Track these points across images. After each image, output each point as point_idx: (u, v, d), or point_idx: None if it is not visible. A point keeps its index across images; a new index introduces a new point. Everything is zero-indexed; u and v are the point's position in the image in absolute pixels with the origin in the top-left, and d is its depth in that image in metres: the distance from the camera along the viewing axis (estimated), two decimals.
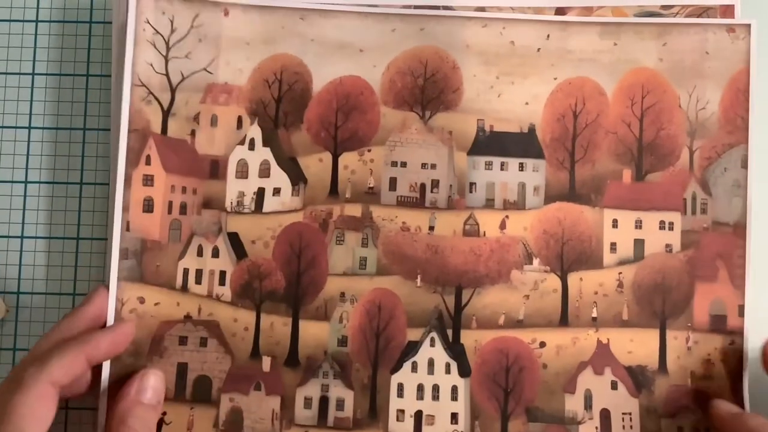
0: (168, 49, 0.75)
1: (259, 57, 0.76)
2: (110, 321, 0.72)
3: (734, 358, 0.72)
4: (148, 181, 0.74)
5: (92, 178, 0.79)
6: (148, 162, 0.74)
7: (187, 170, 0.75)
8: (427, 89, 0.76)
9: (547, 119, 0.75)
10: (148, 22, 0.75)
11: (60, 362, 0.66)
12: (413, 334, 0.74)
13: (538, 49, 0.75)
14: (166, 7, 0.75)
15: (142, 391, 0.69)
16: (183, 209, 0.75)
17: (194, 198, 0.75)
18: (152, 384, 0.70)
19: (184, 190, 0.75)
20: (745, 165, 0.74)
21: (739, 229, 0.73)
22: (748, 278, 0.73)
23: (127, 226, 0.73)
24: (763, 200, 0.74)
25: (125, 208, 0.73)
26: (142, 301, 0.73)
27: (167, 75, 0.75)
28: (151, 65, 0.75)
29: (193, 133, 0.76)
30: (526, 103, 0.75)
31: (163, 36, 0.75)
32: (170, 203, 0.75)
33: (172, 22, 0.75)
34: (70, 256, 0.78)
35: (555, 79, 0.75)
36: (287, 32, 0.76)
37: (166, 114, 0.75)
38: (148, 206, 0.74)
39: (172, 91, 0.75)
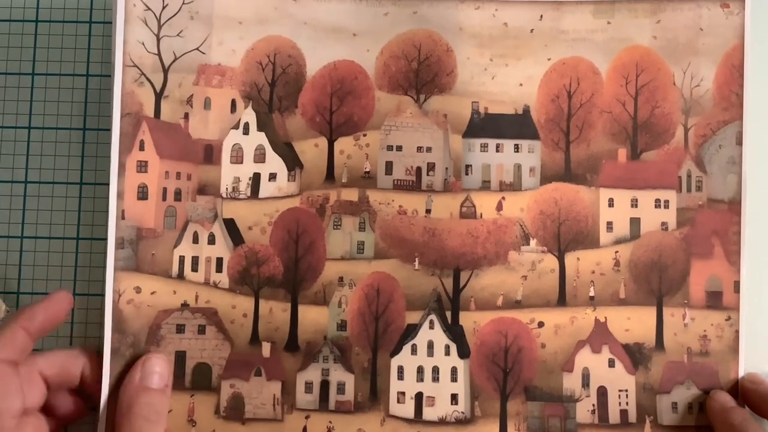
0: (159, 26, 0.75)
1: (253, 38, 0.76)
2: (107, 312, 0.72)
3: (730, 334, 0.73)
4: (142, 167, 0.74)
5: (92, 178, 0.79)
6: (141, 147, 0.74)
7: (181, 155, 0.75)
8: (421, 72, 0.76)
9: (541, 100, 0.75)
10: None
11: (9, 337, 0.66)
12: (412, 317, 0.74)
13: (532, 30, 0.75)
14: None
15: (146, 377, 0.70)
16: (177, 195, 0.75)
17: (189, 184, 0.75)
18: (156, 368, 0.70)
19: (178, 175, 0.75)
20: (739, 141, 0.74)
21: (734, 205, 0.74)
22: (744, 254, 0.73)
23: (122, 215, 0.73)
24: (758, 177, 0.74)
25: (120, 196, 0.73)
26: (138, 290, 0.73)
27: (159, 54, 0.75)
28: (143, 44, 0.74)
29: (186, 116, 0.75)
30: (521, 85, 0.75)
31: (154, 12, 0.75)
32: (164, 189, 0.74)
33: None
34: (70, 256, 0.78)
35: (549, 59, 0.75)
36: (280, 13, 0.76)
37: (159, 96, 0.75)
38: (143, 193, 0.74)
39: (165, 71, 0.75)
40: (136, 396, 0.68)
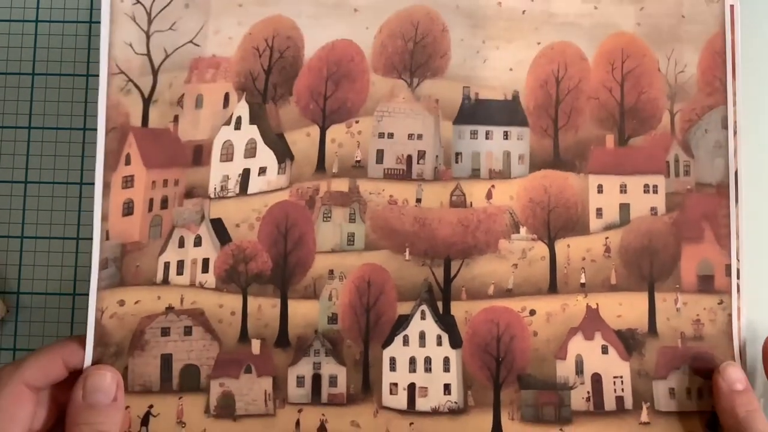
0: (150, 21, 0.74)
1: (251, 21, 0.75)
2: (90, 330, 0.70)
3: (723, 318, 0.73)
4: (128, 182, 0.73)
5: (92, 178, 0.77)
6: (128, 161, 0.73)
7: (168, 161, 0.74)
8: (416, 54, 0.76)
9: (530, 86, 0.76)
10: None
11: (35, 363, 0.65)
12: (403, 308, 0.74)
13: (524, 12, 0.76)
14: None
15: (89, 395, 0.67)
16: (164, 203, 0.74)
17: (176, 189, 0.74)
18: (98, 383, 0.67)
19: (165, 183, 0.74)
20: (725, 125, 0.75)
21: (722, 189, 0.74)
22: (734, 237, 0.74)
23: (106, 236, 0.72)
24: (745, 160, 0.75)
25: (104, 218, 0.72)
26: (122, 303, 0.72)
27: (149, 54, 0.74)
28: (130, 45, 0.74)
29: (176, 119, 0.75)
30: (511, 69, 0.76)
31: (144, 5, 0.74)
32: (150, 200, 0.74)
33: None
34: (70, 256, 0.78)
35: (538, 43, 0.76)
36: None
37: (147, 102, 0.74)
38: (128, 209, 0.73)
39: (155, 73, 0.74)
40: (78, 416, 0.65)
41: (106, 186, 0.72)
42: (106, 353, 0.70)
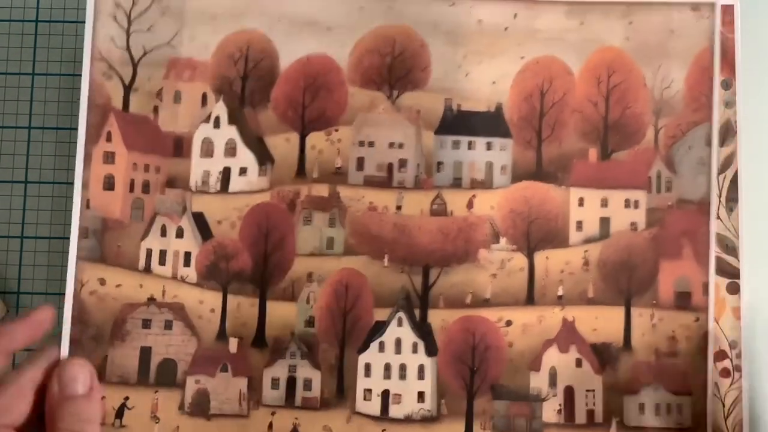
0: (129, 22, 0.74)
1: (225, 31, 0.75)
2: (68, 302, 0.71)
3: (699, 335, 0.73)
4: (109, 158, 0.73)
5: None
6: (108, 139, 0.73)
7: (149, 148, 0.74)
8: (395, 68, 0.76)
9: (514, 98, 0.75)
10: None
11: (12, 328, 0.65)
12: (380, 314, 0.74)
13: (506, 29, 0.75)
14: None
15: (66, 385, 0.66)
16: (146, 188, 0.74)
17: (157, 176, 0.74)
18: (76, 374, 0.67)
19: (147, 168, 0.74)
20: (709, 142, 0.74)
21: (703, 206, 0.74)
22: (712, 256, 0.73)
23: (87, 204, 0.72)
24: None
25: (85, 185, 0.72)
26: (102, 282, 0.72)
27: (129, 49, 0.74)
28: (113, 39, 0.74)
29: (155, 109, 0.75)
30: (494, 83, 0.75)
31: (124, 8, 0.74)
32: (132, 181, 0.74)
33: None
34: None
35: (522, 58, 0.75)
36: (254, 7, 0.75)
37: (128, 89, 0.74)
38: (109, 184, 0.73)
39: (134, 65, 0.75)
40: (59, 407, 0.65)
41: (87, 157, 0.73)
42: (86, 333, 0.71)
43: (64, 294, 0.76)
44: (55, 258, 0.78)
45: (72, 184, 0.77)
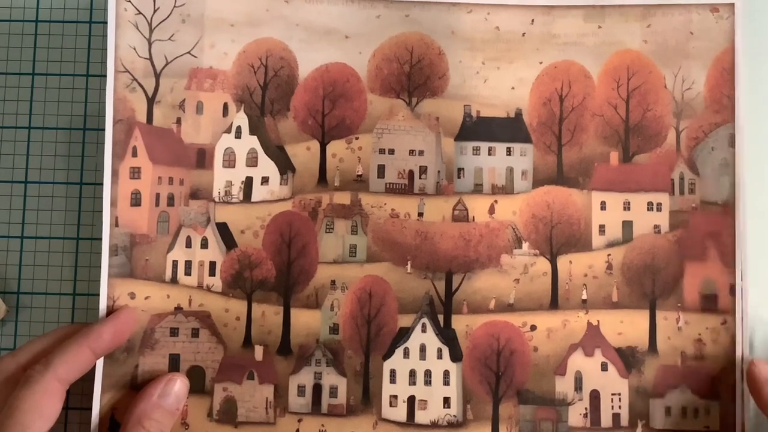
0: (151, 30, 0.75)
1: (244, 40, 0.76)
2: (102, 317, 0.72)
3: (726, 338, 0.72)
4: (135, 173, 0.74)
5: (92, 178, 0.79)
6: (134, 154, 0.74)
7: (173, 160, 0.75)
8: (414, 75, 0.76)
9: (533, 103, 0.75)
10: (129, 1, 0.74)
11: (64, 357, 0.66)
12: (404, 321, 0.74)
13: (523, 34, 0.75)
14: None
15: (164, 396, 0.70)
16: (171, 201, 0.75)
17: (181, 189, 0.75)
18: (176, 390, 0.71)
19: (171, 180, 0.75)
20: (732, 144, 0.74)
21: (728, 207, 0.73)
22: (739, 257, 0.73)
23: (116, 222, 0.73)
24: (751, 178, 0.74)
25: (113, 203, 0.73)
26: (132, 296, 0.73)
27: (151, 59, 0.75)
28: (134, 49, 0.75)
29: (178, 121, 0.75)
30: (513, 88, 0.75)
31: (145, 16, 0.75)
32: (157, 195, 0.74)
33: (154, 1, 0.75)
34: (70, 256, 0.78)
35: (540, 63, 0.75)
36: (272, 15, 0.76)
37: (151, 102, 0.75)
38: (136, 200, 0.74)
39: (157, 76, 0.75)
40: (150, 412, 0.68)
41: (115, 174, 0.73)
42: (119, 347, 0.72)
43: (63, 294, 0.78)
44: (55, 258, 0.78)
45: (72, 184, 0.78)
